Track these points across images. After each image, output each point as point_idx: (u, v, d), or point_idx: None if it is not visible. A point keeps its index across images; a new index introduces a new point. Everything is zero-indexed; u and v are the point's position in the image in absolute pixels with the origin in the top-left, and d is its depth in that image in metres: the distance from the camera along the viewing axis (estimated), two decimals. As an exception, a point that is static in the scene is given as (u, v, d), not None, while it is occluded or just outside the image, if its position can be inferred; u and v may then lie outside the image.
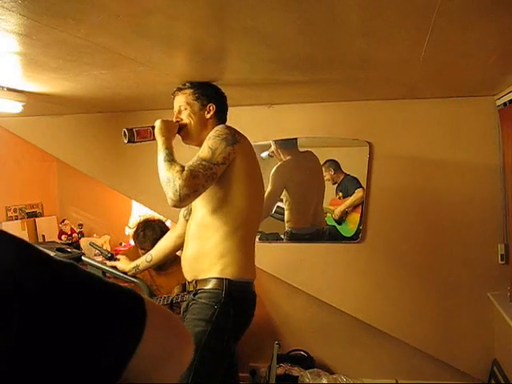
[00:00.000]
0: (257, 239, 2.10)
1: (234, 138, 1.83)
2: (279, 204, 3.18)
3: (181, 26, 1.46)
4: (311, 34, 1.55)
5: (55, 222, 3.98)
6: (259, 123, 3.05)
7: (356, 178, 3.09)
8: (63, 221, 3.96)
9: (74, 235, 3.94)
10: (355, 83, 2.49)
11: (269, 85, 2.42)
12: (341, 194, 3.13)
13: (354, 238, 3.09)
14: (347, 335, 3.24)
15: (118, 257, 2.33)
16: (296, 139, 3.14)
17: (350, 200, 3.11)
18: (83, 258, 2.21)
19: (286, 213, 3.19)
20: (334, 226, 3.16)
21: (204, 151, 1.78)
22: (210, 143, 1.79)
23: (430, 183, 2.98)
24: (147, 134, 1.91)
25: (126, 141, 1.90)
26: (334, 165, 3.13)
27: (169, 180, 1.70)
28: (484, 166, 2.89)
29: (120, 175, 3.37)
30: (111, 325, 0.58)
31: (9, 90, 2.30)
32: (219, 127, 1.88)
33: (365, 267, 3.10)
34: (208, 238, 1.86)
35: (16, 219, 3.66)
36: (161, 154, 1.80)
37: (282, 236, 3.21)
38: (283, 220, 3.19)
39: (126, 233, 4.04)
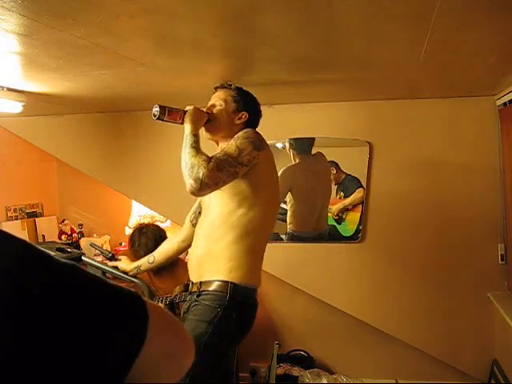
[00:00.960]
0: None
1: (261, 144, 1.86)
2: (281, 205, 3.17)
3: (181, 26, 1.46)
4: (311, 34, 1.55)
5: (55, 222, 3.98)
6: (259, 123, 3.04)
7: (357, 178, 3.09)
8: (63, 221, 3.96)
9: (74, 235, 3.94)
10: (355, 83, 2.49)
11: (269, 85, 2.42)
12: (342, 193, 3.13)
13: (354, 238, 3.09)
14: (347, 335, 3.23)
15: (119, 257, 2.32)
16: (313, 141, 3.12)
17: (349, 199, 3.11)
18: (83, 258, 2.20)
19: (289, 215, 3.19)
20: (334, 226, 3.16)
21: (232, 148, 1.78)
22: (239, 142, 1.80)
23: (429, 183, 2.98)
24: (177, 117, 1.88)
25: (155, 117, 1.86)
26: (336, 164, 3.14)
27: (192, 166, 1.69)
28: (484, 166, 2.89)
29: (120, 175, 3.37)
30: (113, 325, 0.58)
31: (9, 89, 2.30)
32: (249, 130, 1.90)
33: (365, 267, 3.10)
34: (218, 240, 1.85)
35: (16, 219, 3.66)
36: (188, 140, 1.79)
37: (283, 236, 3.21)
38: (285, 221, 3.18)
39: (126, 233, 4.04)
